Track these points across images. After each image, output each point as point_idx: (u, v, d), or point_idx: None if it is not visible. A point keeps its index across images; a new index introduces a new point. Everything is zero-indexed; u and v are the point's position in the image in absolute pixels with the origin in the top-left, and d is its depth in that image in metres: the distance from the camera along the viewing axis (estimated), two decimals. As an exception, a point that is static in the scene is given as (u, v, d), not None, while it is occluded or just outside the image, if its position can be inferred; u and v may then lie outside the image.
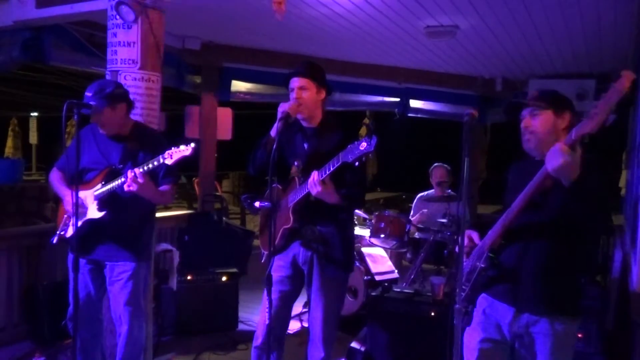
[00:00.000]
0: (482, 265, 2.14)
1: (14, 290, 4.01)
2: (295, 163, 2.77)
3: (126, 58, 3.24)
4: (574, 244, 2.06)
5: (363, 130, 11.92)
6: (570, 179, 1.80)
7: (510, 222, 2.06)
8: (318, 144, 2.76)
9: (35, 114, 16.89)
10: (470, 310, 2.20)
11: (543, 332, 2.05)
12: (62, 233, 2.93)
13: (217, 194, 7.24)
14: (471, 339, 2.23)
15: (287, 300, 2.87)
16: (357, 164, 2.37)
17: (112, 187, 2.76)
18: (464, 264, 2.24)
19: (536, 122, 2.09)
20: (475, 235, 2.26)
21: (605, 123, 1.75)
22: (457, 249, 2.11)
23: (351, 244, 2.93)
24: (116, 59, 3.27)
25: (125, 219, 2.91)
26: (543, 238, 2.07)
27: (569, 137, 1.83)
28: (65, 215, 2.95)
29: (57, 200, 3.07)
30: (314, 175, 2.51)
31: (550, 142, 2.01)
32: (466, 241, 2.24)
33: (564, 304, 2.07)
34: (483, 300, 2.23)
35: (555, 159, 1.78)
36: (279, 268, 2.77)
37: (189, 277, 4.42)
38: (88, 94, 2.78)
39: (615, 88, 1.70)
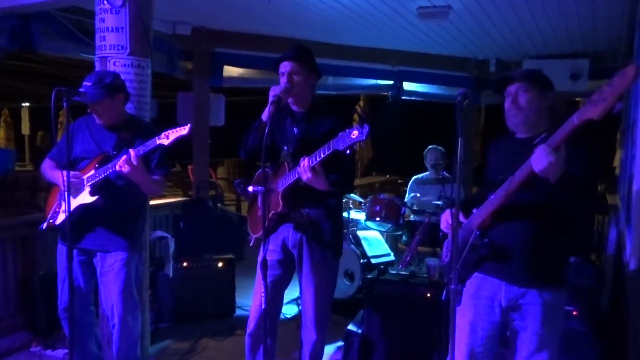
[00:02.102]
0: (472, 244, 2.17)
1: (9, 281, 3.99)
2: (285, 147, 2.76)
3: (115, 44, 3.19)
4: (561, 222, 2.12)
5: (356, 119, 11.87)
6: (557, 177, 1.86)
7: (500, 204, 2.09)
8: (308, 129, 2.74)
9: (27, 104, 16.73)
10: (460, 289, 2.23)
11: (533, 303, 2.13)
12: (51, 220, 2.91)
13: (212, 180, 7.22)
14: (463, 317, 2.27)
15: (280, 285, 2.88)
16: (348, 152, 2.36)
17: (106, 172, 2.74)
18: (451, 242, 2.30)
19: (523, 99, 2.15)
20: (459, 214, 2.28)
21: (612, 110, 1.75)
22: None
23: (340, 228, 2.94)
24: (105, 45, 3.22)
25: (118, 208, 2.90)
26: (532, 216, 2.12)
27: (558, 135, 1.84)
28: (56, 203, 2.93)
29: (50, 189, 3.06)
30: (305, 161, 2.49)
31: (535, 120, 2.14)
32: (449, 220, 2.30)
33: (551, 276, 2.15)
34: (473, 277, 2.26)
35: (541, 161, 1.84)
36: (270, 252, 2.77)
37: (184, 264, 4.42)
38: (87, 83, 2.76)
39: (621, 76, 1.69)
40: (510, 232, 2.14)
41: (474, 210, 2.25)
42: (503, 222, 2.14)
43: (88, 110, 2.88)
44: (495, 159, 2.33)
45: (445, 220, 2.36)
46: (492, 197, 2.12)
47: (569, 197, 1.93)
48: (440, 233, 4.40)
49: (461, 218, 2.29)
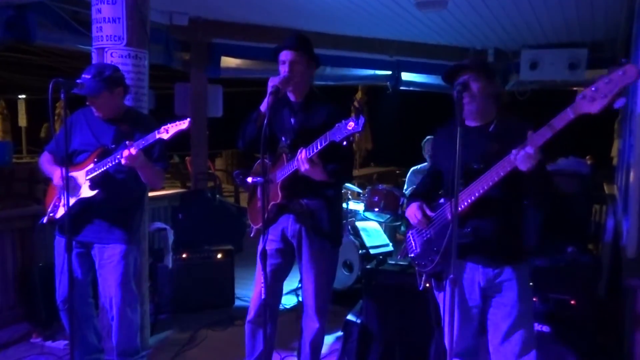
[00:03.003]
0: (452, 234, 2.20)
1: (8, 273, 4.00)
2: (283, 138, 2.76)
3: (112, 34, 3.18)
4: (522, 208, 2.29)
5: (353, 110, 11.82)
6: (534, 170, 1.99)
7: (480, 196, 2.16)
8: (305, 119, 2.74)
9: (24, 96, 16.66)
10: (443, 277, 2.35)
11: (509, 279, 2.27)
12: (51, 214, 2.91)
13: (210, 172, 7.22)
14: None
15: (279, 274, 2.89)
16: (344, 143, 2.37)
17: (106, 165, 2.73)
18: (424, 234, 2.41)
19: (475, 87, 2.23)
20: (425, 208, 2.37)
21: (611, 106, 1.79)
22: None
23: (339, 218, 2.96)
24: (102, 36, 3.20)
25: (117, 201, 2.90)
26: (504, 202, 2.23)
27: (549, 130, 1.91)
28: (56, 197, 2.93)
29: (49, 181, 3.05)
30: (302, 153, 2.50)
31: (487, 108, 2.27)
32: (419, 215, 2.36)
33: (519, 254, 2.31)
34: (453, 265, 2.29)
35: (528, 162, 1.95)
36: (270, 242, 2.79)
37: (184, 255, 4.43)
38: (86, 76, 2.74)
39: (622, 75, 1.72)
40: (485, 218, 2.23)
41: (441, 201, 2.34)
42: (476, 211, 2.21)
43: (87, 103, 2.87)
44: (447, 147, 2.36)
45: (414, 214, 2.38)
46: (469, 189, 2.17)
47: (535, 184, 2.08)
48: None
49: (428, 212, 2.36)
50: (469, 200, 2.18)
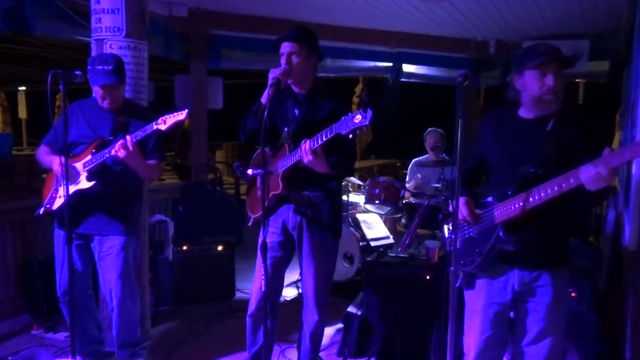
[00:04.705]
0: (497, 239, 2.14)
1: (9, 265, 4.01)
2: (286, 129, 2.74)
3: (111, 26, 3.16)
4: (568, 211, 2.14)
5: (355, 102, 11.80)
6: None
7: (535, 206, 2.03)
8: (309, 111, 2.72)
9: (23, 88, 16.63)
10: (477, 276, 2.26)
11: (545, 284, 2.16)
12: (48, 206, 2.90)
13: (211, 164, 7.20)
14: (475, 302, 2.28)
15: (280, 266, 2.89)
16: (350, 136, 2.34)
17: (103, 157, 2.72)
18: (465, 231, 2.30)
19: (559, 85, 2.07)
20: (470, 204, 2.25)
21: None
22: (451, 214, 2.12)
23: (339, 210, 2.95)
24: (101, 27, 3.18)
25: (115, 192, 2.89)
26: (547, 210, 2.06)
27: (625, 153, 1.74)
28: (52, 188, 2.92)
29: (47, 173, 3.04)
30: (306, 144, 2.48)
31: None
32: (465, 212, 2.23)
33: (560, 258, 2.21)
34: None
35: (599, 183, 1.79)
36: (270, 234, 2.78)
37: (184, 248, 4.43)
38: (107, 67, 2.71)
39: None
40: (535, 225, 2.11)
41: (489, 199, 2.19)
42: (529, 217, 2.08)
43: (101, 94, 2.83)
44: (499, 136, 2.25)
45: (460, 210, 2.22)
46: (524, 195, 2.03)
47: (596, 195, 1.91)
48: (440, 215, 4.43)
49: (476, 210, 2.25)
50: (525, 208, 2.04)
